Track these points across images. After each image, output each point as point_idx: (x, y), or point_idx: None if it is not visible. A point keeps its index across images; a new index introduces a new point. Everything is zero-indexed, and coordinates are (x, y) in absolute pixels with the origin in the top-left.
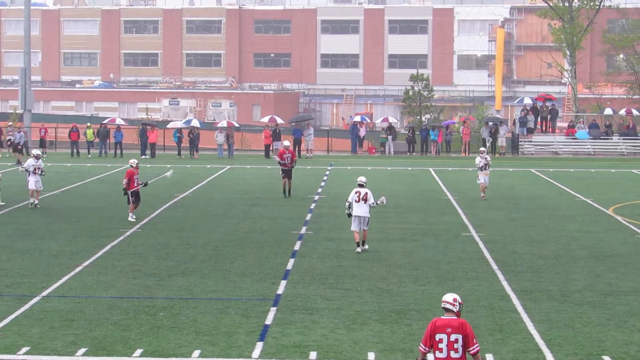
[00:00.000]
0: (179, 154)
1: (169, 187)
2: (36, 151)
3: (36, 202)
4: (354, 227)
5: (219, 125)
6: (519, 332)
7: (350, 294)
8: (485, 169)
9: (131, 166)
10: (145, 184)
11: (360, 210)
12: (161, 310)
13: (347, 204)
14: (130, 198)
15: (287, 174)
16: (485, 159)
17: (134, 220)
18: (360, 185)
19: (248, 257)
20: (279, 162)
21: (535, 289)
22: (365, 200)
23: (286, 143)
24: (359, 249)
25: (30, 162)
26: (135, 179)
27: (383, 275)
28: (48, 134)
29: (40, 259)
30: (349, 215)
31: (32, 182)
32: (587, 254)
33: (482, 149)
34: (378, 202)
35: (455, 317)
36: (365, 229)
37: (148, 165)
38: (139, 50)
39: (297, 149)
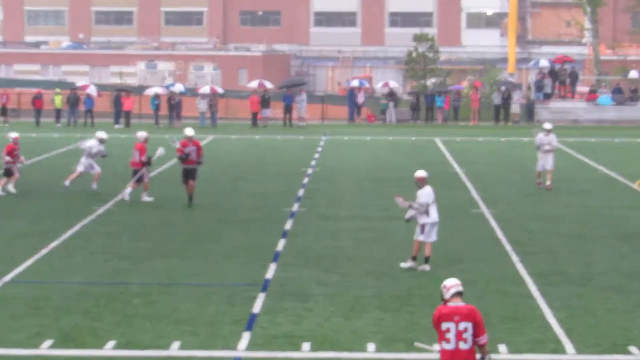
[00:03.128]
0: (157, 122)
1: None
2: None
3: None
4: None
5: (201, 91)
6: (535, 320)
7: (347, 278)
8: (547, 150)
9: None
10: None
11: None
12: (136, 297)
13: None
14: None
15: (191, 174)
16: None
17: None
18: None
19: (233, 238)
20: (179, 158)
21: (553, 272)
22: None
23: (189, 132)
24: (407, 265)
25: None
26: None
27: (383, 256)
28: (10, 100)
29: (1, 240)
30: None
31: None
32: (610, 233)
33: (546, 124)
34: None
35: (463, 304)
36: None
37: (122, 136)
38: (112, 8)
39: (288, 116)
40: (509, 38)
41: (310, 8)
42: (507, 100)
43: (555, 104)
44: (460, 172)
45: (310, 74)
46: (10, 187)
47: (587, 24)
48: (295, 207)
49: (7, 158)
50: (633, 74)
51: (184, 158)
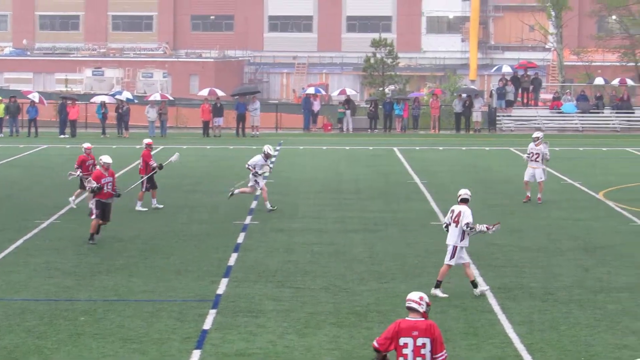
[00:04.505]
0: (104, 132)
1: None
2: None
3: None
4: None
5: (151, 99)
6: (496, 336)
7: (302, 293)
8: (537, 159)
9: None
10: (160, 167)
11: (449, 236)
12: (82, 315)
13: (444, 225)
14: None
15: (104, 210)
16: (541, 142)
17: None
18: (462, 201)
19: (184, 252)
20: (92, 190)
21: (515, 286)
22: (458, 222)
23: (106, 159)
24: (436, 292)
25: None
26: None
27: (340, 271)
28: None
29: None
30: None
31: None
32: (575, 246)
33: (536, 133)
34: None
35: (423, 319)
36: (451, 263)
37: (67, 146)
38: (57, 12)
39: (241, 125)
40: (471, 43)
41: (265, 12)
42: (468, 108)
43: (518, 112)
44: (419, 183)
45: (264, 81)
46: None
47: (551, 29)
48: (247, 220)
49: None
50: (598, 80)
51: (97, 190)
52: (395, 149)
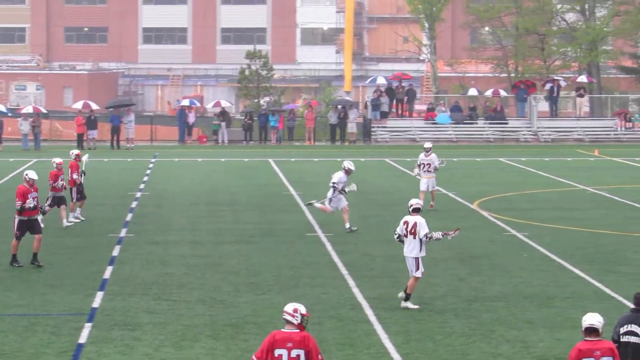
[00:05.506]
0: None
1: None
2: None
3: None
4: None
5: (24, 111)
6: (372, 346)
7: (178, 305)
8: (429, 170)
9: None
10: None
11: (409, 249)
12: None
13: (395, 236)
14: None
15: (29, 227)
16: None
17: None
18: (414, 211)
19: (59, 265)
20: (20, 209)
21: (391, 297)
22: (415, 234)
23: (32, 175)
24: (403, 303)
25: None
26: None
27: (216, 283)
28: None
29: None
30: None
31: None
32: (450, 255)
33: (426, 143)
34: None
35: (298, 330)
36: (417, 275)
37: None
38: None
39: (116, 138)
40: (345, 55)
41: (139, 24)
42: (343, 119)
43: (393, 123)
44: (295, 194)
45: (139, 93)
46: None
47: (425, 40)
48: (122, 233)
49: None
50: (472, 91)
51: (26, 208)
52: (270, 160)
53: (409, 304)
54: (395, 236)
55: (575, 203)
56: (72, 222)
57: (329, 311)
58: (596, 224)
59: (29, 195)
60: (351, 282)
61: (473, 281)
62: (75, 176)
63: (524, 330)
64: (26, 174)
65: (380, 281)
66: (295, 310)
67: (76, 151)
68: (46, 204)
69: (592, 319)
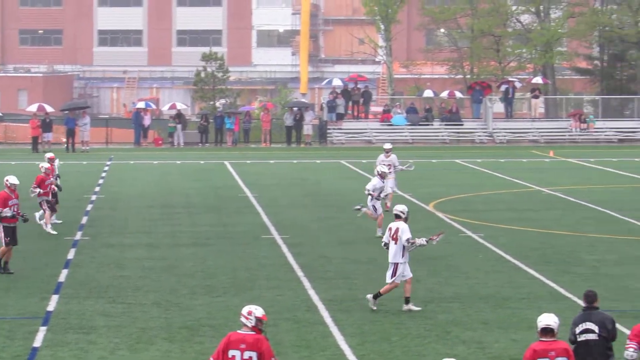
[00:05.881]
0: None
1: None
2: None
3: None
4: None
5: None
6: (328, 348)
7: (133, 308)
8: (389, 170)
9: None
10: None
11: (390, 254)
12: None
13: (382, 244)
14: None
15: (12, 236)
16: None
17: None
18: (397, 217)
19: (13, 269)
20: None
21: (347, 298)
22: (397, 239)
23: (13, 180)
24: (373, 303)
25: None
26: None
27: (172, 286)
28: None
29: None
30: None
31: None
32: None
33: (386, 144)
34: (404, 167)
35: (252, 333)
36: (393, 280)
37: None
38: None
39: (71, 141)
40: (301, 57)
41: (94, 26)
42: (299, 121)
43: (349, 125)
44: (250, 196)
45: (94, 96)
46: None
47: (381, 42)
48: (78, 236)
49: None
50: (428, 93)
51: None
52: (226, 162)
53: (411, 306)
54: (382, 244)
55: (530, 204)
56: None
57: (285, 313)
58: (551, 224)
59: (9, 202)
60: (307, 284)
61: (429, 282)
62: (52, 179)
63: (479, 331)
64: (7, 180)
65: (336, 283)
66: (250, 313)
67: (50, 154)
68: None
69: (548, 319)
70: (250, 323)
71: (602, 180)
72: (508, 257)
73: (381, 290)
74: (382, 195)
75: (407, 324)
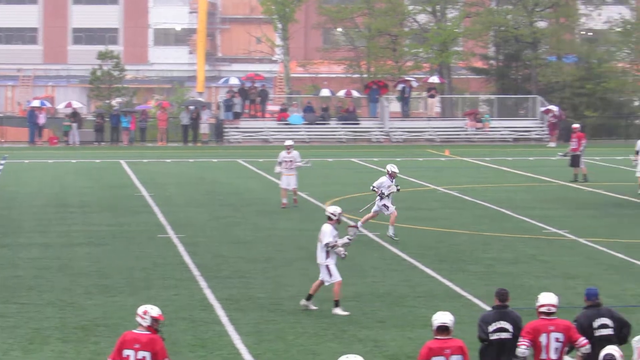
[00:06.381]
0: None
1: None
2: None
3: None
4: None
5: None
6: (224, 347)
7: (27, 308)
8: (290, 167)
9: None
10: None
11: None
12: None
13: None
14: None
15: None
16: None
17: None
18: (328, 219)
19: None
20: None
21: (243, 297)
22: (321, 240)
23: None
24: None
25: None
26: None
27: (66, 285)
28: None
29: None
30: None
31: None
32: (302, 256)
33: (287, 141)
34: (302, 164)
35: (147, 332)
36: (321, 279)
37: None
38: None
39: None
40: (198, 55)
41: None
42: (195, 120)
43: (245, 124)
44: (146, 195)
45: None
46: None
47: (278, 41)
48: None
49: None
50: (325, 92)
51: None
52: (122, 161)
53: (339, 310)
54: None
55: (426, 203)
56: None
57: (181, 312)
58: (447, 223)
59: None
60: (203, 284)
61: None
62: None
63: (375, 330)
64: None
65: (231, 282)
66: (145, 312)
67: None
68: None
69: (444, 317)
70: (146, 323)
71: (498, 179)
72: (404, 255)
73: (334, 299)
74: (386, 193)
75: (304, 322)
